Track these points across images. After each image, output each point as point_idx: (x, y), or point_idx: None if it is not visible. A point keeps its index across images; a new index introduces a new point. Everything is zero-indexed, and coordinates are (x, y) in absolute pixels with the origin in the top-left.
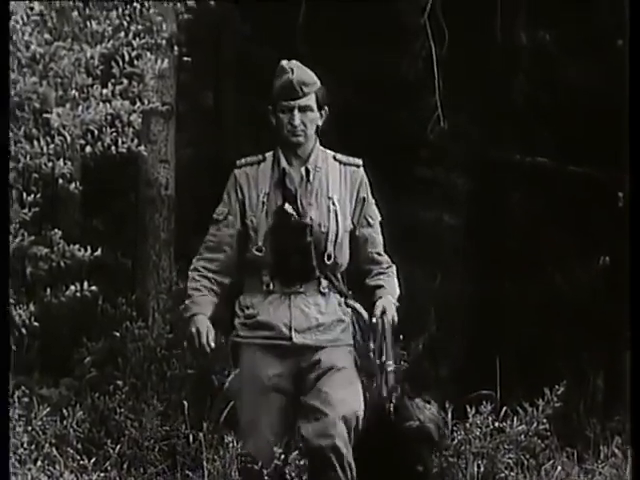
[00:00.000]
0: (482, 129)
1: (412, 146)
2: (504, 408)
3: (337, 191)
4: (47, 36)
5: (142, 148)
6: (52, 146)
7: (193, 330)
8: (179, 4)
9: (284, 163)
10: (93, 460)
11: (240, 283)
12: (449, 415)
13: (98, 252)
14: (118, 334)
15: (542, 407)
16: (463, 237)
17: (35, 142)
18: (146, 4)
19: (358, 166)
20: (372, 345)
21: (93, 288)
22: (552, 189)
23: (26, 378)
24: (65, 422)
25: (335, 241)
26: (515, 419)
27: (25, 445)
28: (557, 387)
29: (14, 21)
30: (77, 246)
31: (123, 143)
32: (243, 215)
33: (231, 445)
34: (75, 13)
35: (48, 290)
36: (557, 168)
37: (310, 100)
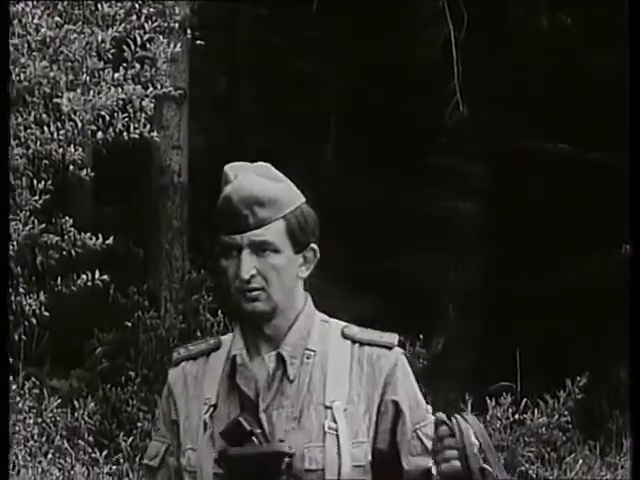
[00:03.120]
0: (501, 114)
1: (430, 133)
2: (524, 400)
3: (343, 394)
4: (57, 19)
5: (154, 134)
6: (63, 132)
7: None
8: None
9: (237, 348)
10: (105, 452)
11: None
12: (469, 407)
13: (110, 240)
14: (130, 324)
15: (563, 399)
16: (482, 227)
17: (45, 128)
18: None
19: (389, 347)
20: None
21: (104, 277)
22: (572, 176)
23: (36, 369)
24: (76, 414)
25: None
26: (536, 411)
27: (36, 437)
28: (579, 378)
29: (24, 4)
30: (88, 234)
31: (135, 129)
32: (177, 449)
33: None
34: None
35: (59, 279)
36: (577, 155)
37: (272, 232)
